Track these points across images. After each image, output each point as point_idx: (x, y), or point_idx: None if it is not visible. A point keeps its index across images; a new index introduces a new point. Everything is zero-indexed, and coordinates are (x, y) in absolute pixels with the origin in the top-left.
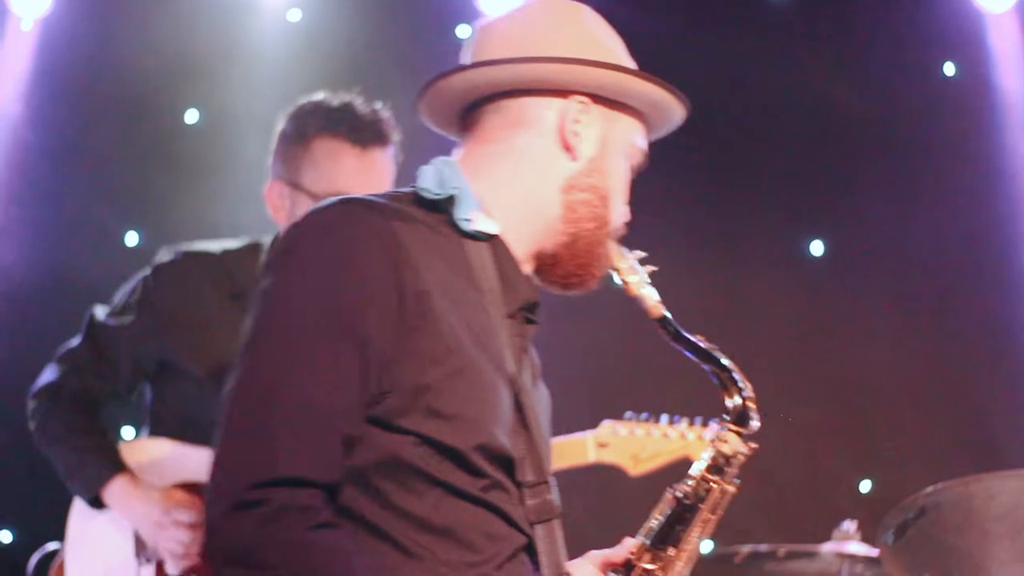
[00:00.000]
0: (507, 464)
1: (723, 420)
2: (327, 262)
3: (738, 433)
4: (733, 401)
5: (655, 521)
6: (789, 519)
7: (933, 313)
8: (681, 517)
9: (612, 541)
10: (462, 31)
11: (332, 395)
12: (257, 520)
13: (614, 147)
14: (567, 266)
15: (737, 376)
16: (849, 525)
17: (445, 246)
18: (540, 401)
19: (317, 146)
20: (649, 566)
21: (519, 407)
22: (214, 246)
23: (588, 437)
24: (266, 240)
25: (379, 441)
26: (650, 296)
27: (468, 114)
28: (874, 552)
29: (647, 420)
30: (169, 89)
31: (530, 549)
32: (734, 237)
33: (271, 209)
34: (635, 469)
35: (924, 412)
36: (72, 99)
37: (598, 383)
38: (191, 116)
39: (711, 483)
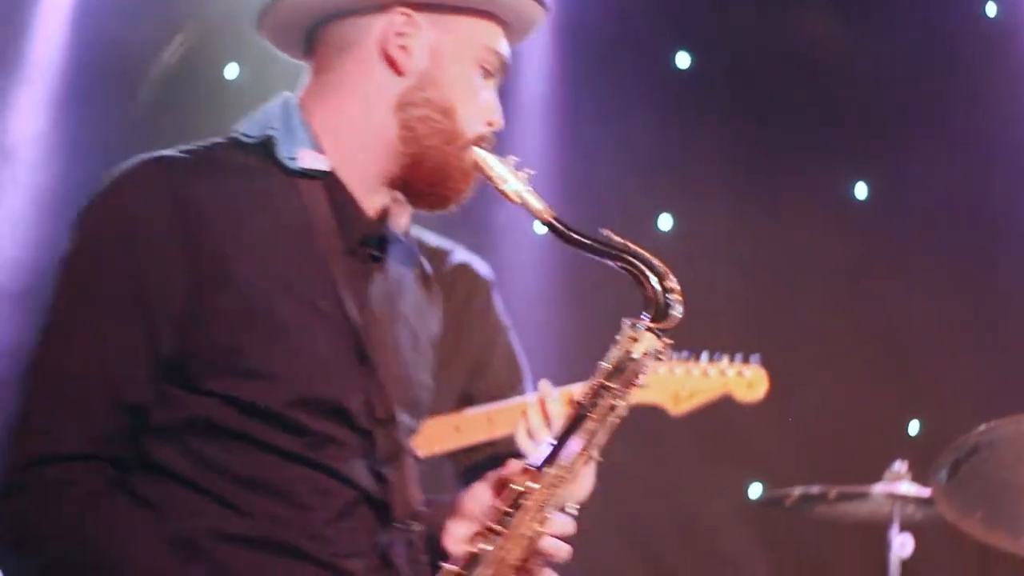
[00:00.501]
0: (339, 414)
1: (641, 318)
2: (109, 228)
3: (654, 331)
4: (649, 292)
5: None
6: (839, 462)
7: (979, 253)
8: (570, 428)
9: (658, 484)
10: None
11: (108, 364)
12: (24, 503)
13: (452, 55)
14: (420, 186)
15: (654, 262)
16: (900, 466)
17: (270, 191)
18: (425, 328)
19: None
20: (532, 484)
21: (360, 347)
22: None
23: None
24: None
25: (188, 403)
26: (533, 201)
27: (308, 43)
28: (926, 492)
29: (687, 359)
30: (209, 45)
31: (373, 497)
32: (778, 180)
33: None
34: (676, 408)
35: (971, 353)
36: (112, 55)
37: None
38: (231, 71)
39: (606, 389)
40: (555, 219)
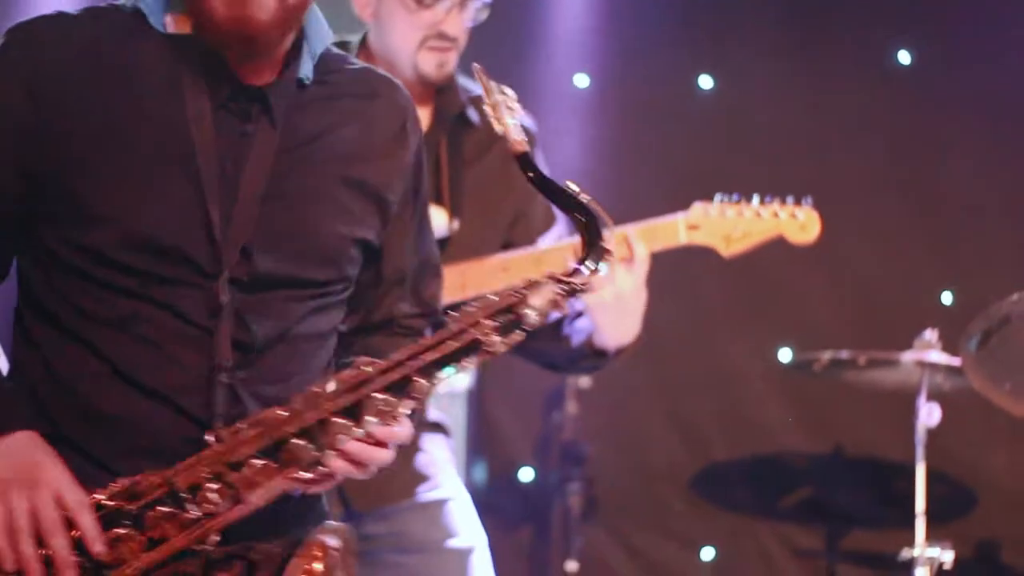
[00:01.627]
0: (175, 257)
1: (559, 276)
2: None
3: (563, 292)
4: (582, 256)
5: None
6: (870, 327)
7: (1021, 124)
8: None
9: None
10: None
11: None
12: None
13: None
14: (215, 23)
15: (603, 228)
16: (931, 334)
17: (144, 50)
18: (362, 174)
19: None
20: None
21: (202, 195)
22: None
23: (679, 219)
24: (354, 39)
25: (45, 242)
26: (514, 130)
27: None
28: (955, 361)
29: (738, 201)
30: None
31: (204, 339)
32: (820, 47)
33: (356, 5)
34: (727, 250)
35: (1009, 224)
36: None
37: (690, 179)
38: None
39: (479, 326)
40: (524, 155)
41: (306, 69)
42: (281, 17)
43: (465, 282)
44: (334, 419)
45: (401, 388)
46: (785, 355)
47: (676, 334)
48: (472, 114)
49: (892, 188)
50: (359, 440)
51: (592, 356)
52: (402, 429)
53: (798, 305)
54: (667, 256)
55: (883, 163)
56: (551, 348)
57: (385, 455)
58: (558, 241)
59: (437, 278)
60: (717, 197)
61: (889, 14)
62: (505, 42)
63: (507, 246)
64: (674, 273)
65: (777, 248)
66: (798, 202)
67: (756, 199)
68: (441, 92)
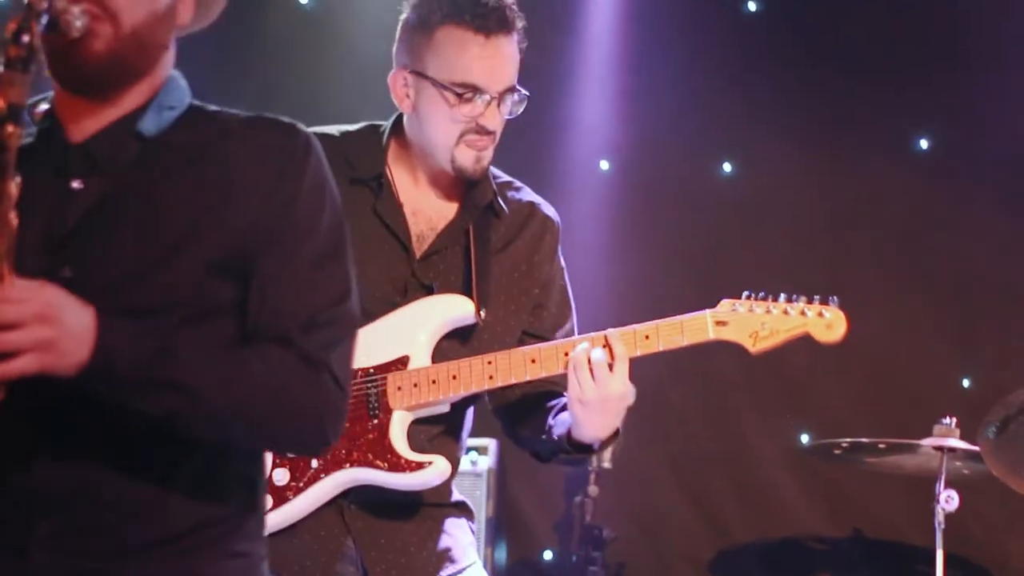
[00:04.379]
0: None
1: None
2: None
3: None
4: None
5: None
6: (890, 412)
7: None
8: None
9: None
10: None
11: None
12: None
13: None
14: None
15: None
16: (949, 421)
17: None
18: (182, 225)
19: (441, 35)
20: None
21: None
22: (333, 129)
23: (707, 315)
24: (385, 125)
25: None
26: None
27: None
28: (974, 448)
29: (765, 298)
30: None
31: None
32: (842, 130)
33: (395, 98)
34: (754, 347)
35: None
36: None
37: (712, 266)
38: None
39: None
40: None
41: (148, 124)
42: (118, 49)
43: (492, 373)
44: None
45: None
46: (805, 440)
47: (696, 417)
48: (500, 202)
49: (911, 274)
50: None
51: (568, 449)
52: None
53: (818, 390)
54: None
55: (902, 248)
56: (535, 439)
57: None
58: (580, 335)
59: None
60: (744, 293)
61: (908, 101)
62: (532, 129)
63: (523, 335)
64: (695, 357)
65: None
66: (825, 300)
67: (783, 296)
68: (472, 181)
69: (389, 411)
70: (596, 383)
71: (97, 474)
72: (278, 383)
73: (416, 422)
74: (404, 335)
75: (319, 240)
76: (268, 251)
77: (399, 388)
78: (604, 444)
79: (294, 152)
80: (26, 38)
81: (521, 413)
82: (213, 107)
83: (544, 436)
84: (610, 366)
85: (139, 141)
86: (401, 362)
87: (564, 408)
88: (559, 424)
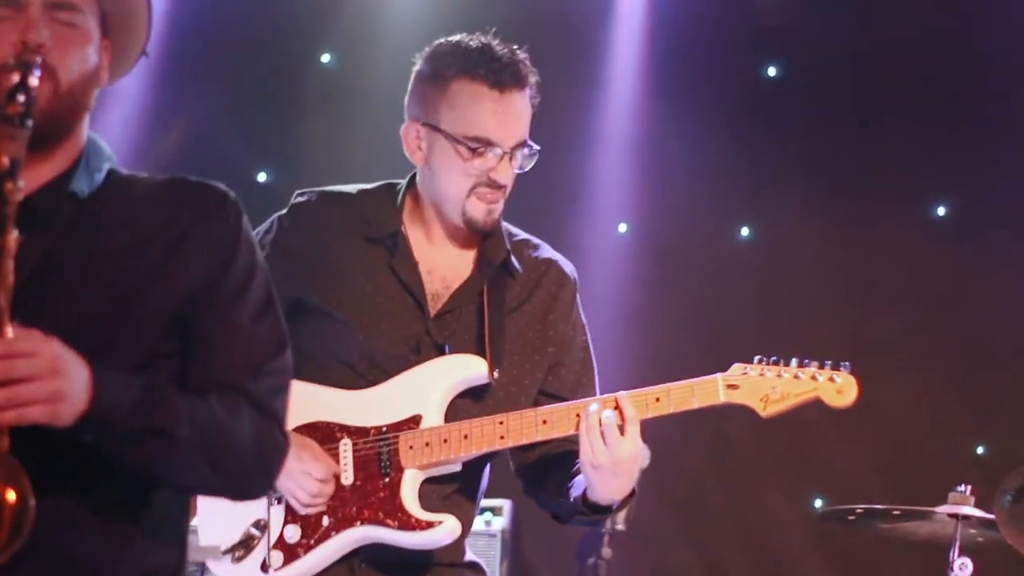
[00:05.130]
0: None
1: None
2: None
3: None
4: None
5: None
6: (905, 481)
7: None
8: None
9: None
10: None
11: None
12: None
13: None
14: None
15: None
16: (964, 488)
17: None
18: (137, 276)
19: (455, 88)
20: None
21: None
22: (350, 188)
23: (718, 378)
24: (401, 183)
25: None
26: None
27: None
28: (989, 515)
29: (776, 363)
30: (304, 29)
31: None
32: (860, 195)
33: (407, 150)
34: (765, 411)
35: None
36: (207, 39)
37: (728, 330)
38: (326, 56)
39: None
40: None
41: (81, 184)
42: (55, 106)
43: (504, 433)
44: None
45: None
46: (819, 505)
47: (711, 481)
48: (515, 262)
49: (927, 340)
50: None
51: (585, 511)
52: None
53: (833, 456)
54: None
55: (918, 315)
56: (554, 500)
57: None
58: (596, 396)
59: None
60: (756, 358)
61: (927, 167)
62: (551, 191)
63: (540, 394)
64: (710, 422)
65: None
66: (836, 365)
67: (795, 361)
68: (487, 238)
69: (401, 470)
70: (607, 446)
71: (69, 517)
72: (239, 429)
73: (429, 481)
74: (417, 394)
75: (256, 294)
76: (210, 306)
77: (411, 447)
78: (619, 506)
79: (227, 218)
80: (22, 97)
81: (540, 473)
82: (127, 171)
83: (562, 498)
84: (621, 428)
85: (73, 201)
86: (413, 421)
87: (578, 472)
88: (576, 486)
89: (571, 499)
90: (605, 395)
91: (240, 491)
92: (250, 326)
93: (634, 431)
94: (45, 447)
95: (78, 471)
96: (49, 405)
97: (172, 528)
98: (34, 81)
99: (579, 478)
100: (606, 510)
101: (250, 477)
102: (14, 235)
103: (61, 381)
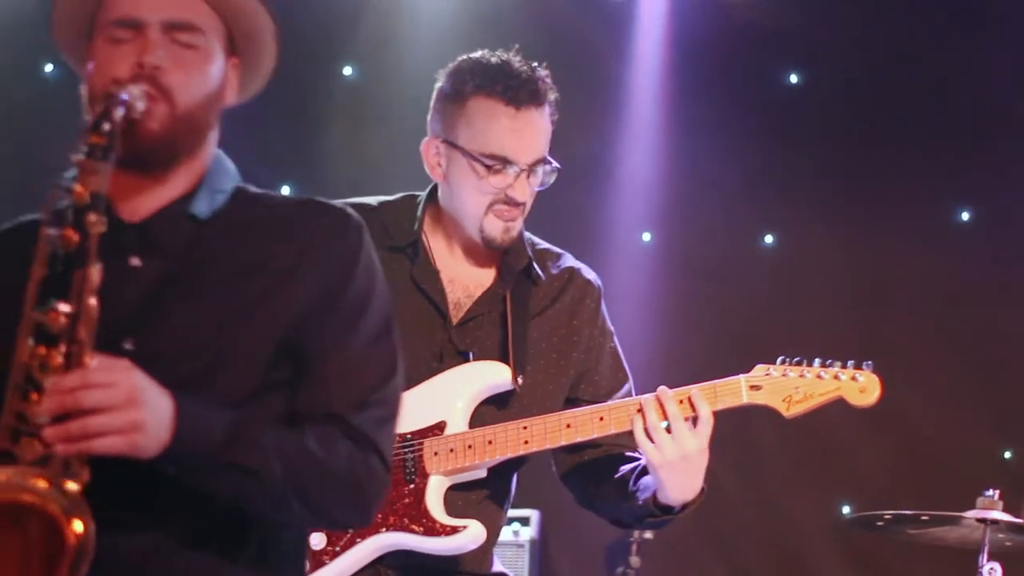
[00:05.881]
0: None
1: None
2: None
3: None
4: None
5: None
6: (932, 486)
7: None
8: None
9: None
10: None
11: None
12: None
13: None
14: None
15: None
16: (992, 493)
17: None
18: (239, 302)
19: (473, 105)
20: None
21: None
22: (371, 200)
23: (741, 379)
24: (422, 194)
25: None
26: None
27: None
28: (1018, 520)
29: (799, 363)
30: (326, 42)
31: None
32: (883, 201)
33: (427, 166)
34: (788, 411)
35: None
36: None
37: (753, 336)
38: (347, 70)
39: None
40: None
41: (201, 206)
42: (172, 128)
43: (528, 438)
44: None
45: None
46: (846, 511)
47: (737, 489)
48: (537, 268)
49: (952, 346)
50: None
51: (657, 513)
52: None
53: (859, 462)
54: (728, 412)
55: (943, 320)
56: (618, 505)
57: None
58: (623, 399)
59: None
60: (779, 358)
61: (950, 173)
62: (575, 201)
63: (572, 403)
64: (735, 430)
65: (838, 406)
66: (859, 364)
67: (817, 361)
68: (509, 246)
69: (425, 476)
70: (675, 441)
71: (166, 546)
72: (333, 463)
73: (455, 488)
74: (441, 401)
75: (370, 321)
76: (321, 332)
77: (435, 453)
78: (691, 503)
79: (348, 239)
80: (107, 126)
81: (594, 478)
82: (257, 189)
83: (627, 502)
84: (694, 420)
85: (193, 223)
86: (438, 427)
87: (644, 472)
88: (643, 488)
89: (640, 502)
90: (635, 397)
91: (335, 523)
92: (360, 354)
93: (706, 428)
94: (136, 478)
95: (173, 503)
96: (125, 436)
97: (286, 551)
98: (119, 114)
99: (645, 480)
100: (679, 510)
101: (345, 510)
102: (97, 268)
103: (138, 412)
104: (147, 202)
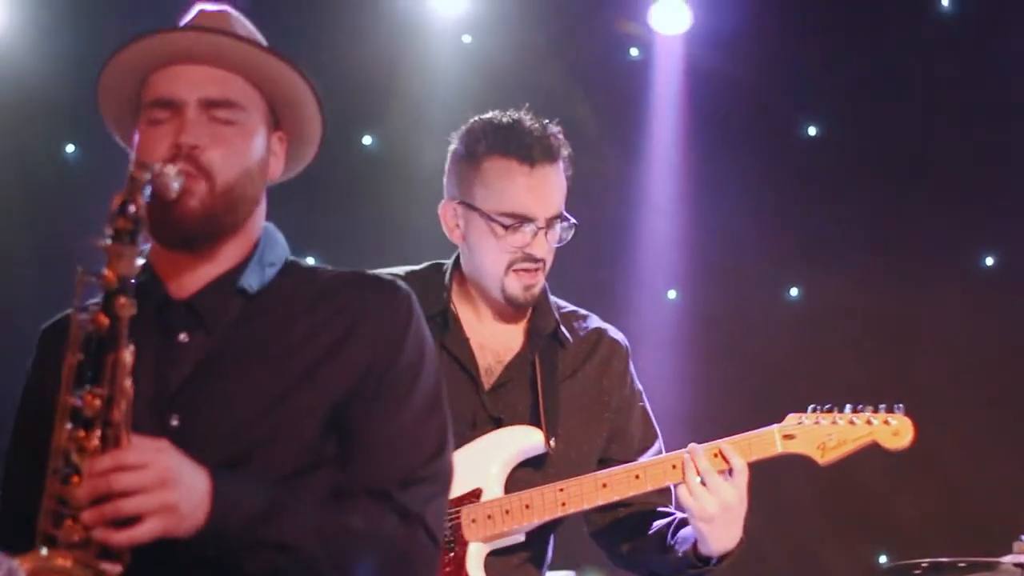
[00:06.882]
0: None
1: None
2: None
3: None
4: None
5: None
6: (968, 532)
7: None
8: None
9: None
10: (633, 52)
11: None
12: None
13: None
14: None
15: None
16: None
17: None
18: (285, 379)
19: (487, 166)
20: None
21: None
22: (398, 270)
23: (774, 429)
24: (447, 263)
25: None
26: None
27: None
28: None
29: (830, 410)
30: (344, 112)
31: None
32: (907, 248)
33: (446, 229)
34: (823, 459)
35: None
36: None
37: (782, 389)
38: (367, 138)
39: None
40: None
41: (250, 280)
42: (212, 205)
43: (565, 500)
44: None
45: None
46: (883, 560)
47: (772, 541)
48: (564, 331)
49: (982, 389)
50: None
51: (698, 564)
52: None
53: (893, 510)
54: (760, 464)
55: (971, 364)
56: (656, 559)
57: (138, 477)
58: (656, 456)
59: None
60: (809, 407)
61: (973, 218)
62: (600, 261)
63: (604, 463)
64: (767, 481)
65: (870, 453)
66: (890, 408)
67: (848, 407)
68: (535, 311)
69: (465, 544)
70: (712, 495)
71: None
72: (376, 540)
73: (494, 554)
74: (476, 468)
75: (420, 396)
76: (370, 407)
77: (473, 520)
78: (731, 552)
79: (397, 310)
80: (132, 209)
81: (627, 535)
82: (308, 263)
83: (667, 555)
84: (729, 471)
85: (242, 297)
86: (474, 495)
87: (680, 524)
88: (681, 541)
89: (680, 554)
90: (674, 452)
91: None
92: (410, 428)
93: (741, 478)
94: (175, 558)
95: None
96: (159, 518)
97: None
98: (144, 196)
99: (683, 533)
100: (719, 560)
101: None
102: (129, 350)
103: (171, 493)
104: (195, 278)
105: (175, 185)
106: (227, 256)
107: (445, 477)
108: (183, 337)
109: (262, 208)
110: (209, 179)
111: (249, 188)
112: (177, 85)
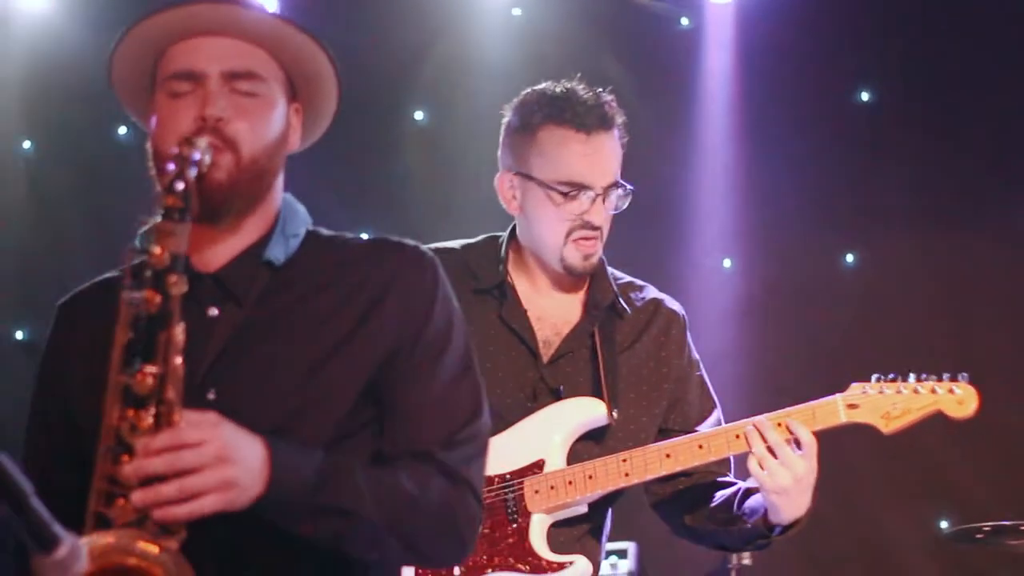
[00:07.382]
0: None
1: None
2: None
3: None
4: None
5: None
6: None
7: None
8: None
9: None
10: (684, 21)
11: None
12: None
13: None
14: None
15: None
16: None
17: None
18: (318, 350)
19: (543, 135)
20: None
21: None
22: (455, 243)
23: (838, 399)
24: (503, 235)
25: None
26: None
27: None
28: None
29: (894, 380)
30: (395, 88)
31: None
32: (962, 212)
33: (503, 200)
34: (887, 427)
35: None
36: None
37: (839, 356)
38: (419, 113)
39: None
40: None
41: (275, 252)
42: (238, 178)
43: (628, 470)
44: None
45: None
46: (944, 526)
47: (834, 509)
48: (622, 302)
49: None
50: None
51: (768, 533)
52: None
53: (955, 474)
54: (821, 433)
55: None
56: (723, 530)
57: (194, 455)
58: (718, 426)
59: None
60: (873, 376)
61: None
62: (655, 232)
63: (663, 433)
64: (829, 450)
65: (930, 420)
66: (954, 377)
67: (912, 376)
68: (593, 283)
69: (528, 515)
70: (785, 466)
71: None
72: (427, 500)
73: (555, 525)
74: (538, 439)
75: (453, 359)
76: (405, 372)
77: (536, 491)
78: (800, 520)
79: (423, 275)
80: (181, 186)
81: (690, 506)
82: (328, 232)
83: (735, 526)
84: (797, 442)
85: (269, 269)
86: (537, 466)
87: (746, 494)
88: (750, 512)
89: (749, 524)
90: (735, 423)
91: (430, 561)
92: (445, 390)
93: (811, 451)
94: (232, 531)
95: (270, 554)
96: (220, 494)
97: None
98: (192, 174)
99: (750, 503)
100: (790, 528)
101: (440, 547)
102: (180, 327)
103: (230, 468)
104: (221, 252)
105: (207, 159)
106: (251, 229)
107: (483, 439)
108: (213, 311)
109: (281, 180)
110: (235, 151)
111: (272, 160)
112: (198, 57)
